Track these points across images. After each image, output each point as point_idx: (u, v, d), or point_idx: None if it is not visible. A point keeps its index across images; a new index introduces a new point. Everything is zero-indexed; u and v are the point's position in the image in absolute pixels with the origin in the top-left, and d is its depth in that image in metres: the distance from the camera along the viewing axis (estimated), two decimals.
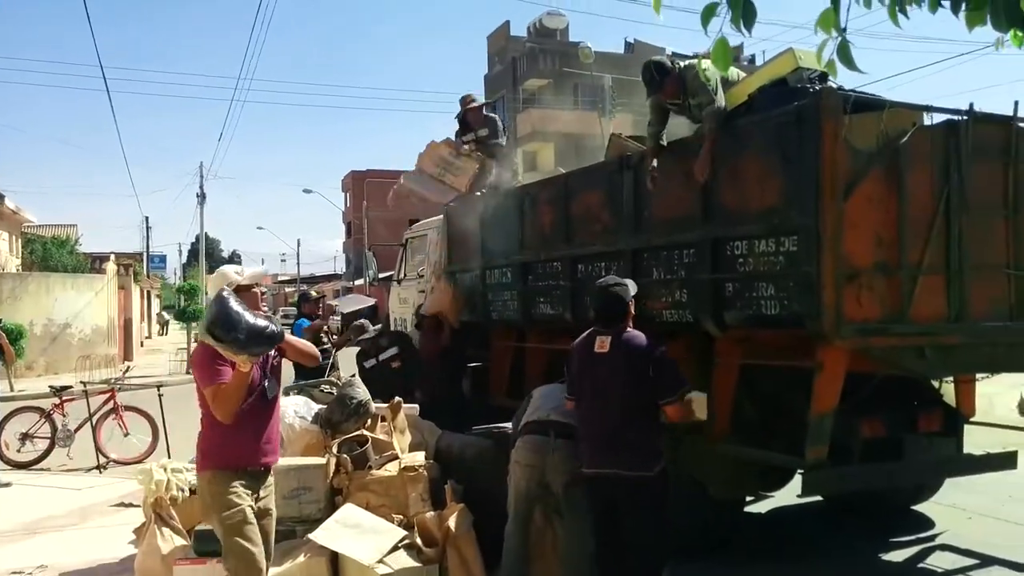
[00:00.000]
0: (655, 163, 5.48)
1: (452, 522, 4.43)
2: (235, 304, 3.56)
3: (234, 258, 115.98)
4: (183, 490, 5.29)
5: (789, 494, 6.21)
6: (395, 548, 4.39)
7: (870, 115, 4.64)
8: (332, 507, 4.84)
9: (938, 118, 4.88)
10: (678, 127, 5.96)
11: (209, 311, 3.64)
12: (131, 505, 6.90)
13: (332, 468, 4.98)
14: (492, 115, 9.01)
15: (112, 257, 24.84)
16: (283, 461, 5.01)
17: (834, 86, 4.76)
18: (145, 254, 40.65)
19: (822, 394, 4.59)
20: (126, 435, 9.32)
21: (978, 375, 5.76)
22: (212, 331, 3.52)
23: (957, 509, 6.39)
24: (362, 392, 5.39)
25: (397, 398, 5.30)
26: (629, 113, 27.57)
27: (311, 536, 4.47)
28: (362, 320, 8.57)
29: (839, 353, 4.55)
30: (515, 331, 7.78)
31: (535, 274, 7.09)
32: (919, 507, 6.42)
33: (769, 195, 4.75)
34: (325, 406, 5.46)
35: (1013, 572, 5.16)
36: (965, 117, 4.80)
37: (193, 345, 22.76)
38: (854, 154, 4.49)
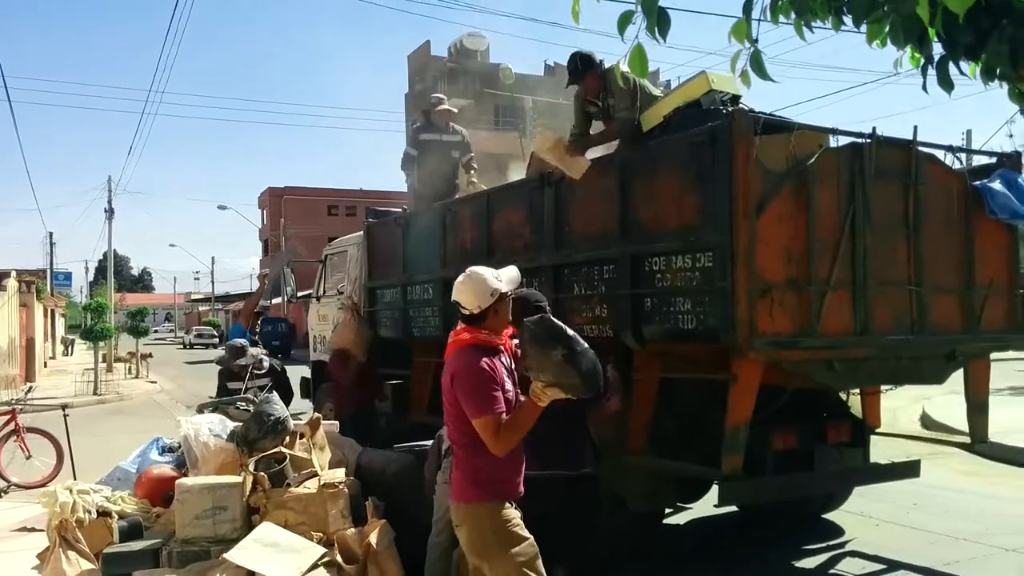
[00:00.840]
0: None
1: (373, 538, 4.39)
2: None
3: (145, 276, 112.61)
4: (90, 512, 5.08)
5: (706, 506, 6.38)
6: (315, 566, 4.31)
7: (779, 136, 4.84)
8: (249, 526, 4.71)
9: (843, 141, 5.10)
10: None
11: (540, 331, 3.07)
12: (33, 529, 6.58)
13: (249, 486, 4.86)
14: (460, 129, 8.97)
15: (13, 273, 23.74)
16: (198, 480, 4.89)
17: (745, 109, 4.94)
18: (49, 271, 38.90)
19: (737, 406, 4.72)
20: (28, 458, 8.89)
21: (883, 387, 6.02)
22: (552, 357, 2.96)
23: (865, 517, 6.64)
24: (280, 409, 5.28)
25: (316, 414, 5.21)
26: (549, 133, 28.00)
27: (227, 556, 4.35)
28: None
29: (752, 366, 4.69)
30: (437, 347, 7.76)
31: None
32: (829, 515, 6.64)
33: (685, 213, 4.88)
34: (241, 423, 5.33)
35: None
36: (869, 140, 5.03)
37: (102, 365, 21.91)
38: (765, 174, 4.67)
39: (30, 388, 12.59)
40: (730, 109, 4.88)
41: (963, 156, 5.71)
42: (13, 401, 9.70)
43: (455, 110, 8.92)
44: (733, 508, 6.58)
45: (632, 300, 5.18)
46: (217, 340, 51.84)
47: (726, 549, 6.28)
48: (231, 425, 5.37)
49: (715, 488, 5.62)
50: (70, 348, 46.39)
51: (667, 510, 6.26)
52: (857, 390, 6.14)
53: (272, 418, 5.15)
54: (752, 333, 4.52)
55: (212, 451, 5.14)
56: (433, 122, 8.73)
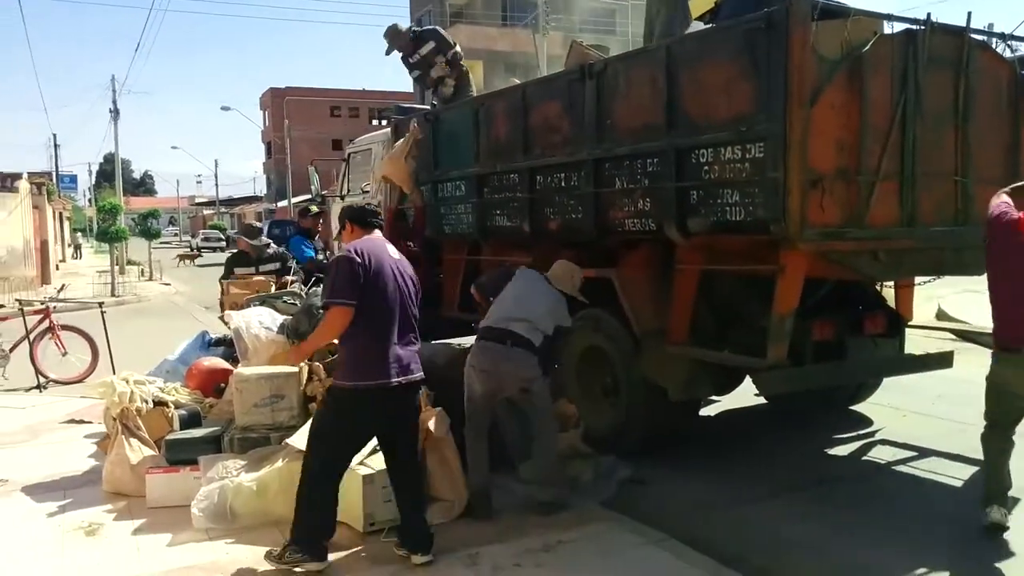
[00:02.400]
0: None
1: (432, 425, 4.50)
2: None
3: (146, 179, 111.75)
4: (147, 402, 5.22)
5: (733, 399, 6.55)
6: (374, 451, 4.44)
7: (835, 23, 4.73)
8: (306, 414, 4.85)
9: (898, 27, 4.99)
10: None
11: None
12: (82, 421, 6.77)
13: (305, 376, 4.97)
14: (428, 28, 8.79)
15: (24, 175, 23.58)
16: (256, 369, 5.01)
17: None
18: (55, 173, 38.68)
19: (784, 297, 4.77)
20: (64, 354, 9.05)
21: (920, 279, 6.08)
22: None
23: (892, 408, 6.79)
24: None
25: None
26: (562, 31, 27.23)
27: (289, 441, 4.49)
28: None
29: (801, 257, 4.72)
30: (468, 245, 7.79)
31: (491, 186, 7.07)
32: (857, 407, 6.80)
33: (736, 102, 4.81)
34: (290, 317, 5.41)
35: (947, 461, 5.54)
36: (923, 27, 4.92)
37: (117, 268, 22.04)
38: (820, 61, 4.59)
39: (62, 287, 12.70)
40: None
41: (1015, 44, 5.57)
42: (46, 300, 9.79)
43: (407, 27, 8.71)
44: (762, 401, 6.78)
45: (677, 193, 5.17)
46: (224, 244, 51.92)
47: (757, 439, 6.45)
48: (280, 318, 5.45)
49: (747, 381, 5.79)
50: (78, 251, 46.54)
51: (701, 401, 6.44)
52: (891, 282, 6.22)
53: (321, 311, 5.21)
54: (803, 224, 4.53)
55: (263, 343, 5.23)
56: (407, 52, 8.58)
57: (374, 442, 4.50)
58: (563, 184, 6.21)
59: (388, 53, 8.54)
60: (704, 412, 6.78)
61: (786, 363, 4.96)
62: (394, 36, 8.45)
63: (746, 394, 6.13)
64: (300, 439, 4.47)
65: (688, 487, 5.25)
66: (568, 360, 6.22)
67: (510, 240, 7.07)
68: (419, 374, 4.01)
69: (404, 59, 8.58)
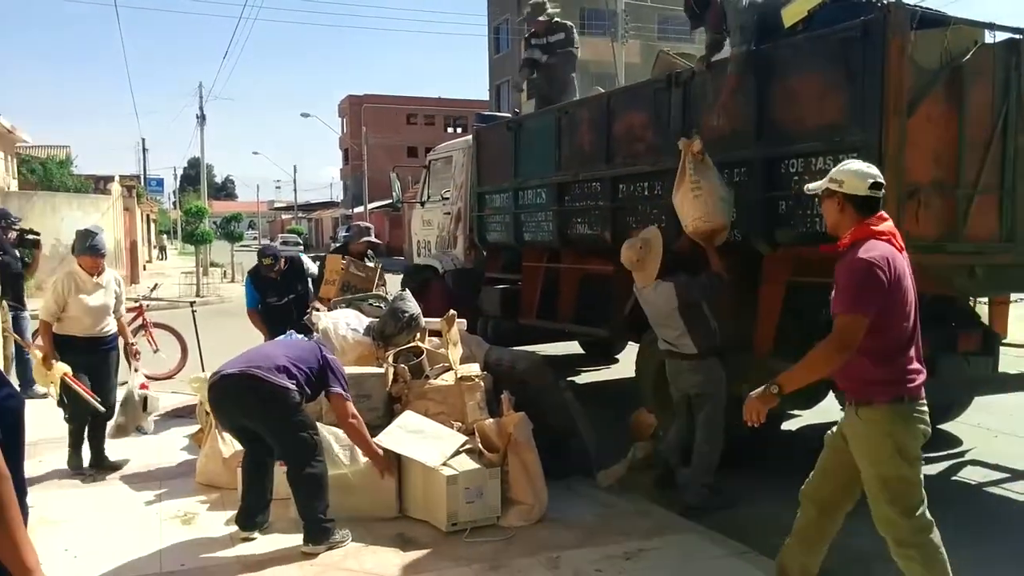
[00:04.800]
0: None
1: (514, 428, 4.56)
2: None
3: (228, 184, 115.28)
4: None
5: (815, 415, 6.41)
6: (457, 452, 4.52)
7: (934, 32, 4.63)
8: (390, 415, 4.95)
9: (1000, 36, 4.85)
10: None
11: None
12: (175, 415, 7.04)
13: (390, 377, 5.08)
14: (566, 22, 8.84)
15: (117, 178, 24.62)
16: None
17: (901, 1, 4.71)
18: (143, 177, 40.24)
19: None
20: (155, 351, 9.41)
21: (1015, 296, 5.87)
22: None
23: (981, 428, 6.57)
24: (413, 306, 5.46)
25: (451, 311, 5.37)
26: (640, 39, 27.17)
27: (375, 440, 4.59)
28: None
29: None
30: (547, 252, 7.84)
31: (572, 195, 7.11)
32: (946, 427, 6.59)
33: (829, 112, 4.75)
34: (376, 319, 5.54)
35: None
36: None
37: (201, 270, 22.80)
38: (918, 71, 4.50)
39: (155, 286, 13.22)
40: (884, 2, 4.67)
41: None
42: (140, 298, 10.21)
43: (554, 8, 8.74)
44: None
45: (765, 203, 5.12)
46: (302, 248, 53.08)
47: None
48: (366, 320, 5.58)
49: (831, 396, 5.67)
50: (164, 252, 48.26)
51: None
52: (985, 299, 6.02)
53: (407, 315, 5.33)
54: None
55: (350, 344, 5.36)
56: (538, 32, 8.62)
57: (458, 443, 4.59)
58: (646, 193, 6.21)
59: (521, 22, 8.69)
60: (785, 426, 6.66)
61: None
62: (537, 9, 8.50)
63: (830, 409, 6.00)
64: (387, 439, 4.59)
65: (767, 501, 5.16)
66: (646, 370, 6.20)
67: (591, 249, 7.09)
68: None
69: (528, 39, 8.67)
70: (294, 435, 4.20)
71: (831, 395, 5.58)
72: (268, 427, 4.26)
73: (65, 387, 5.35)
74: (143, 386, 6.05)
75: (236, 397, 4.25)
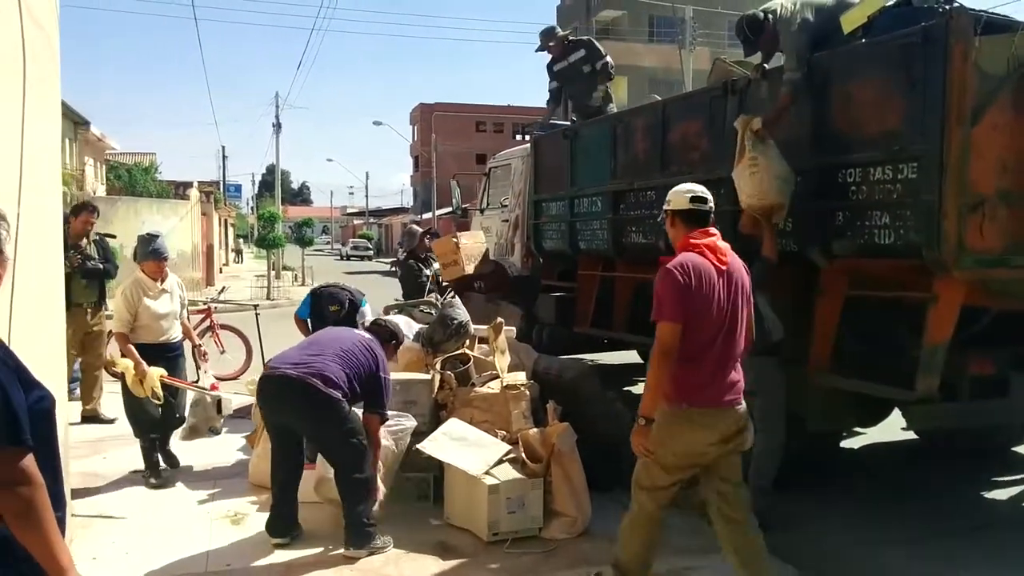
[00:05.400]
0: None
1: (557, 439, 4.53)
2: None
3: (303, 190, 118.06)
4: None
5: (881, 433, 6.19)
6: (500, 461, 4.51)
7: (1001, 37, 4.43)
8: (436, 421, 4.98)
9: None
10: None
11: None
12: (234, 416, 7.20)
13: (436, 384, 5.11)
14: (583, 38, 8.80)
15: (195, 184, 25.48)
16: (391, 375, 5.17)
17: (965, 5, 4.54)
18: (222, 183, 41.54)
19: (936, 326, 4.49)
20: (222, 352, 9.67)
21: None
22: None
23: None
24: (462, 313, 5.49)
25: (499, 319, 5.38)
26: (709, 46, 26.80)
27: (419, 447, 4.63)
28: None
29: (956, 285, 4.43)
30: (602, 261, 7.78)
31: (627, 203, 7.05)
32: (1020, 449, 6.30)
33: (888, 120, 4.59)
34: (425, 326, 5.58)
35: None
36: None
37: (273, 273, 23.38)
38: (983, 78, 4.30)
39: (223, 289, 13.63)
40: (947, 7, 4.50)
41: None
42: (208, 300, 10.51)
43: (563, 32, 8.65)
44: (911, 435, 6.38)
45: (822, 214, 4.98)
46: (372, 252, 53.92)
47: (905, 476, 6.09)
48: (416, 326, 5.63)
49: (896, 413, 5.48)
50: (240, 256, 49.66)
51: (844, 433, 6.15)
52: None
53: (456, 322, 5.36)
54: (960, 250, 4.25)
55: (400, 350, 5.40)
56: (556, 56, 8.55)
57: (501, 452, 4.58)
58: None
59: (537, 51, 8.59)
60: (848, 444, 6.47)
61: (937, 397, 4.66)
62: (547, 36, 8.50)
63: (895, 428, 5.80)
64: (430, 445, 4.61)
65: (824, 522, 5.03)
66: None
67: (645, 257, 7.01)
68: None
69: (550, 65, 8.62)
70: (345, 442, 4.23)
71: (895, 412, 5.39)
72: (320, 435, 4.34)
73: (130, 397, 5.40)
74: (213, 387, 6.08)
75: (290, 400, 4.30)
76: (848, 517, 5.11)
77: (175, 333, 5.76)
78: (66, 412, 4.75)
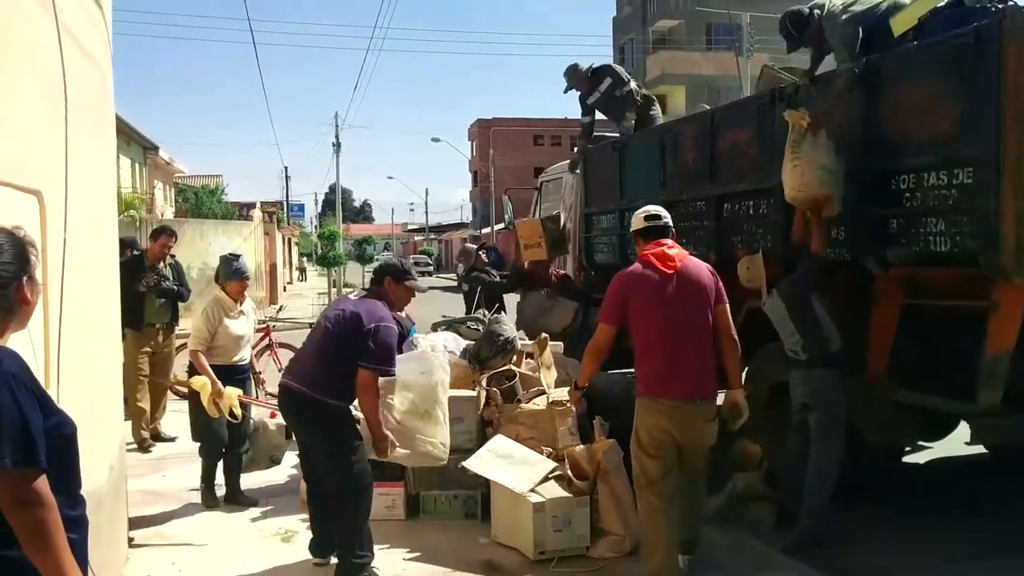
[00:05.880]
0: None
1: (603, 456, 4.48)
2: None
3: (365, 208, 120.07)
4: None
5: (949, 446, 5.96)
6: (546, 478, 4.48)
7: None
8: (482, 438, 4.97)
9: None
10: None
11: None
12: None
13: (482, 400, 5.11)
14: (603, 65, 8.67)
15: (258, 205, 26.13)
16: None
17: (1019, 4, 4.38)
18: (285, 203, 42.51)
19: (997, 335, 4.31)
20: (280, 370, 9.83)
21: None
22: None
23: None
24: (509, 330, 5.48)
25: (544, 335, 5.35)
26: (767, 53, 26.37)
27: (465, 464, 4.62)
28: None
29: (1018, 291, 4.25)
30: None
31: (677, 214, 6.90)
32: None
33: (941, 124, 4.44)
34: (472, 342, 5.59)
35: None
36: None
37: (332, 289, 23.76)
38: None
39: (280, 308, 13.90)
40: (1000, 6, 4.34)
41: None
42: (267, 319, 10.72)
43: (584, 67, 8.50)
44: (981, 449, 6.12)
45: (875, 221, 4.84)
46: (432, 268, 54.35)
47: (971, 492, 5.83)
48: (463, 343, 5.64)
49: (963, 426, 5.28)
50: (304, 274, 50.63)
51: (907, 447, 5.94)
52: None
53: (502, 338, 5.36)
54: (1019, 255, 4.08)
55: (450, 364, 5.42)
56: (586, 91, 8.48)
57: (547, 469, 4.55)
58: (751, 212, 6.00)
59: (566, 91, 8.58)
60: (911, 459, 6.24)
61: (1000, 410, 4.46)
62: (572, 75, 8.47)
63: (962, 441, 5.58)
64: (476, 463, 4.60)
65: (882, 540, 4.85)
66: (757, 394, 5.96)
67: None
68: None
69: (582, 99, 8.58)
70: (331, 460, 4.10)
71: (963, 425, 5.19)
72: (310, 446, 4.30)
73: (199, 417, 5.38)
74: (273, 415, 6.03)
75: (283, 409, 4.38)
76: (908, 535, 4.92)
77: (246, 355, 5.72)
78: (123, 430, 4.90)
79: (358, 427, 4.19)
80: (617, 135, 8.72)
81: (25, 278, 1.95)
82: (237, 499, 5.53)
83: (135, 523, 4.98)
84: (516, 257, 9.62)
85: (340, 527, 4.14)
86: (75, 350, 3.24)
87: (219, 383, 5.29)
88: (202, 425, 5.42)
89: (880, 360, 5.03)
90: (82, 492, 2.06)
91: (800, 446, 4.99)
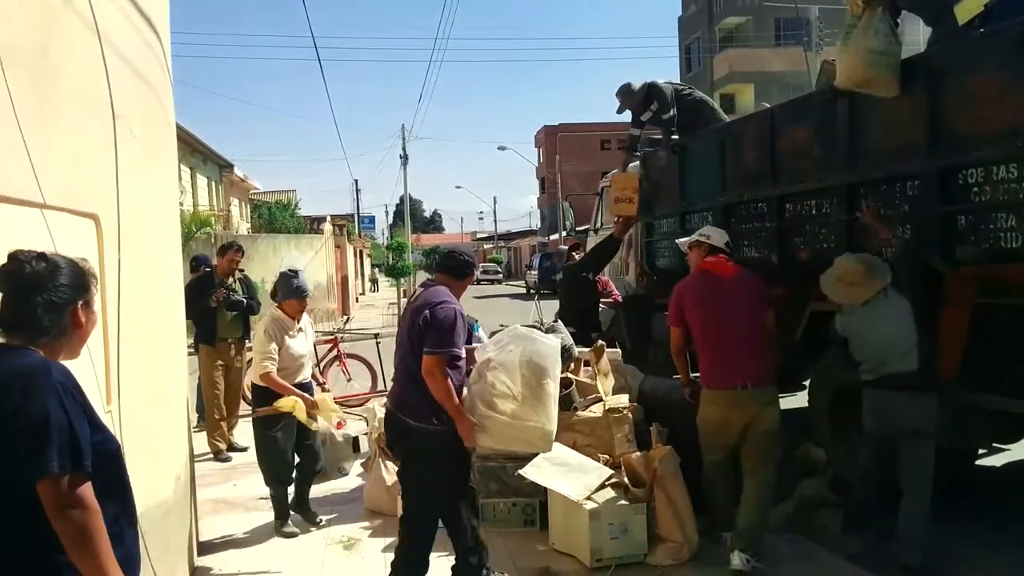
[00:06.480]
0: None
1: (660, 463, 4.42)
2: None
3: (435, 218, 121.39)
4: None
5: None
6: (602, 486, 4.45)
7: None
8: None
9: None
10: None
11: None
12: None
13: None
14: (654, 85, 8.44)
15: (328, 218, 26.70)
16: None
17: None
18: (356, 215, 43.31)
19: None
20: (348, 380, 10.02)
21: None
22: None
23: None
24: (566, 337, 5.44)
25: (600, 342, 5.31)
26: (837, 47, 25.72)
27: (521, 472, 4.62)
28: None
29: None
30: None
31: (738, 216, 6.82)
32: None
33: (1009, 115, 4.25)
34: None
35: None
36: None
37: (403, 300, 24.08)
38: None
39: (347, 319, 14.16)
40: None
41: None
42: (335, 330, 10.93)
43: (636, 87, 8.25)
44: None
45: (942, 219, 4.66)
46: (501, 276, 54.58)
47: None
48: None
49: None
50: (376, 285, 51.44)
51: (980, 450, 5.69)
52: None
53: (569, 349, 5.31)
54: None
55: None
56: (638, 112, 8.28)
57: (603, 477, 4.51)
58: (814, 212, 5.85)
59: (619, 112, 8.46)
60: (989, 462, 5.99)
61: None
62: (625, 95, 8.33)
63: None
64: (532, 471, 4.59)
65: (953, 545, 4.65)
66: (822, 399, 5.80)
67: (758, 272, 6.75)
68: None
69: (635, 118, 8.45)
70: (408, 494, 3.91)
71: None
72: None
73: (266, 446, 5.14)
74: (339, 425, 5.82)
75: (390, 439, 4.11)
76: (980, 540, 4.71)
77: (308, 373, 5.41)
78: (190, 441, 5.05)
79: (454, 457, 3.84)
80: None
81: (80, 303, 2.04)
82: (307, 517, 5.35)
83: (205, 531, 5.13)
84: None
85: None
86: (137, 367, 3.36)
87: (305, 395, 5.09)
88: (269, 453, 5.13)
89: (951, 363, 4.83)
90: (135, 507, 2.12)
91: (871, 458, 4.77)
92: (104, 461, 1.94)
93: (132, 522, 2.09)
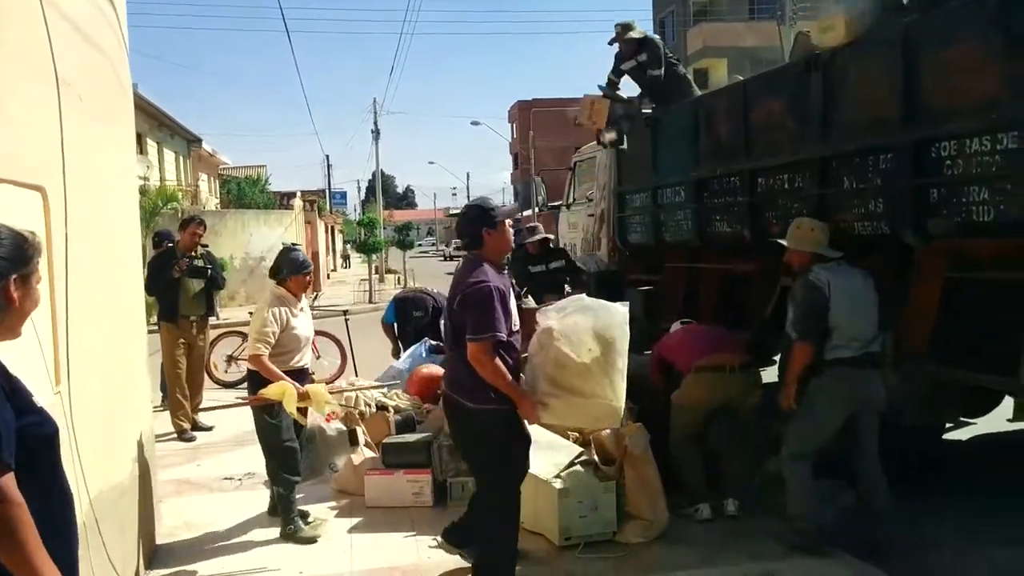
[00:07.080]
0: None
1: (630, 441, 4.37)
2: None
3: (408, 193, 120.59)
4: (370, 406, 5.53)
5: (994, 422, 5.74)
6: (572, 464, 4.39)
7: None
8: None
9: None
10: None
11: None
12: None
13: None
14: (651, 39, 8.35)
15: (298, 194, 26.34)
16: None
17: None
18: (327, 191, 42.80)
19: None
20: (317, 358, 9.86)
21: None
22: None
23: None
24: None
25: None
26: (812, 22, 25.71)
27: None
28: None
29: None
30: (688, 252, 7.51)
31: (711, 191, 6.76)
32: None
33: (985, 86, 4.19)
34: None
35: None
36: None
37: (374, 276, 23.89)
38: None
39: (316, 296, 13.97)
40: None
41: None
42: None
43: (637, 34, 8.12)
44: None
45: (915, 192, 4.62)
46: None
47: (1017, 470, 5.61)
48: None
49: (1008, 402, 5.05)
50: (347, 261, 51.03)
51: (947, 424, 5.72)
52: None
53: None
54: None
55: None
56: (626, 55, 8.18)
57: (572, 455, 4.46)
58: (786, 186, 5.79)
59: (611, 43, 8.29)
60: (954, 436, 6.02)
61: None
62: (625, 27, 8.19)
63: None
64: None
65: (920, 521, 4.66)
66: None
67: (731, 247, 6.72)
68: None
69: (618, 58, 8.31)
70: (474, 466, 3.80)
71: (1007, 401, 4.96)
72: None
73: (268, 433, 4.66)
74: (328, 418, 5.02)
75: (447, 419, 3.90)
76: (947, 515, 4.74)
77: (308, 356, 5.03)
78: (152, 423, 4.92)
79: (510, 438, 3.61)
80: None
81: (14, 277, 1.89)
82: (307, 519, 4.86)
83: (167, 513, 5.02)
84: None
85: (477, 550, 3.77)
86: (90, 345, 3.22)
87: (297, 384, 4.55)
88: (277, 447, 4.66)
89: (921, 338, 4.82)
90: (70, 492, 2.01)
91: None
92: (40, 448, 1.82)
93: (67, 510, 1.97)
